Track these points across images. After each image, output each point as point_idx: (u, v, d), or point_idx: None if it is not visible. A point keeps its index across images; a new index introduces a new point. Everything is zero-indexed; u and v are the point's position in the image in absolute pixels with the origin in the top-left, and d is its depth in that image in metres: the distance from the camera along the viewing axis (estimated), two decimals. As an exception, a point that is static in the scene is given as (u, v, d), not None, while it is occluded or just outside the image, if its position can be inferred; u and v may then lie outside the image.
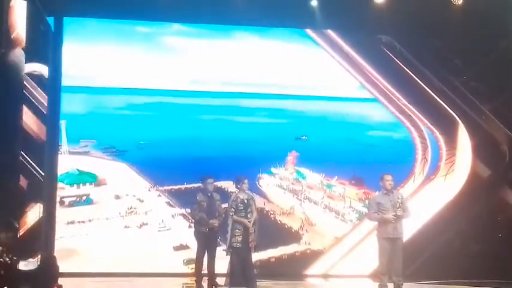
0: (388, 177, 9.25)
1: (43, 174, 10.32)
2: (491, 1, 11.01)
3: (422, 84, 11.60)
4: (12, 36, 9.19)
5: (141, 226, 11.19)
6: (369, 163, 11.38)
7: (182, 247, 11.14)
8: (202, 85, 11.41)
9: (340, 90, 11.72)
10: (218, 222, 9.58)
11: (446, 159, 11.75)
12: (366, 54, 11.60)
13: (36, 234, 9.85)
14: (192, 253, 10.85)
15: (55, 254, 9.99)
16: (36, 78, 10.28)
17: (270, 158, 11.52)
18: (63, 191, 11.07)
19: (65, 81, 11.03)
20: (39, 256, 9.33)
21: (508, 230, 11.51)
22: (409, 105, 11.70)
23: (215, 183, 9.94)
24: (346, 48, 11.61)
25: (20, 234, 8.81)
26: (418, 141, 11.79)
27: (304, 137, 11.55)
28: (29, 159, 9.93)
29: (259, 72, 11.55)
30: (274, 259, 11.18)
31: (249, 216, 9.08)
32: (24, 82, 9.85)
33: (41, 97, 10.47)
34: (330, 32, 11.63)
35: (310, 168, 11.63)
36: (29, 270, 9.07)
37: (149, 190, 11.31)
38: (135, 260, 10.94)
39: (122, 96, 11.34)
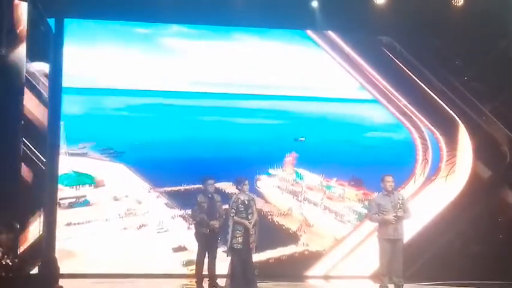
0: (389, 178, 9.25)
1: (44, 175, 10.31)
2: (491, 1, 11.01)
3: (423, 85, 11.60)
4: (12, 37, 9.18)
5: (139, 228, 11.16)
6: (368, 164, 11.36)
7: (181, 249, 11.13)
8: (201, 86, 11.40)
9: (340, 91, 11.71)
10: (219, 224, 9.57)
11: (447, 160, 11.74)
12: (366, 55, 11.60)
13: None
14: (191, 255, 10.86)
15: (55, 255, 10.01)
16: (37, 79, 10.27)
17: (268, 159, 11.51)
18: (61, 192, 11.04)
19: (64, 83, 11.02)
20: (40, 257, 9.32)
21: (508, 231, 11.50)
22: (409, 106, 11.69)
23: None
24: (347, 49, 11.60)
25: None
26: (418, 142, 11.79)
27: (302, 138, 11.53)
28: (30, 159, 9.94)
29: (258, 74, 11.54)
30: (272, 260, 11.17)
31: (249, 217, 9.06)
32: (25, 83, 9.85)
33: (42, 98, 10.46)
34: (330, 33, 11.63)
35: (309, 170, 11.62)
36: (30, 271, 9.07)
37: (148, 191, 11.29)
38: (134, 262, 10.92)
39: (120, 98, 11.31)
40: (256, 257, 9.34)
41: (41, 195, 10.35)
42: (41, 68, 10.34)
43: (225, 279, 9.20)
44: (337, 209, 11.60)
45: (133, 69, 11.25)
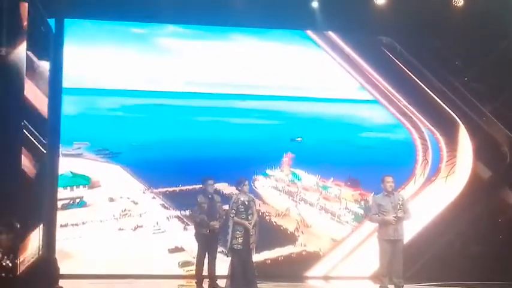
0: (389, 179, 9.25)
1: (44, 176, 10.31)
2: (491, 2, 11.01)
3: (423, 86, 11.60)
4: (13, 38, 9.18)
5: (135, 229, 11.12)
6: (365, 164, 11.37)
7: (177, 249, 11.11)
8: (198, 87, 11.37)
9: (340, 92, 11.70)
10: (219, 224, 9.57)
11: (447, 161, 11.74)
12: (366, 55, 11.59)
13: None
14: (187, 255, 10.89)
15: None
16: (37, 79, 10.26)
17: (265, 160, 11.49)
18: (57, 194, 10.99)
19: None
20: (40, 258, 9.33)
21: (508, 232, 11.50)
22: (409, 106, 11.69)
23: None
24: (347, 49, 11.60)
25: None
26: (418, 142, 11.78)
27: (299, 139, 11.53)
28: (30, 159, 9.92)
29: (256, 74, 11.52)
30: (270, 261, 11.14)
31: (249, 218, 9.06)
32: (25, 83, 9.85)
33: (42, 98, 10.45)
34: (331, 34, 11.62)
35: (305, 170, 11.61)
36: (30, 272, 9.06)
37: (144, 192, 11.25)
38: (130, 263, 10.89)
39: (115, 98, 11.28)
40: (255, 258, 9.34)
41: (42, 196, 10.34)
42: (41, 68, 10.33)
43: (225, 280, 9.20)
44: (333, 210, 11.58)
45: (128, 69, 11.22)
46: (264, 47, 11.58)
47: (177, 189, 11.24)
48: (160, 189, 11.26)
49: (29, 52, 9.27)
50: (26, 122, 9.38)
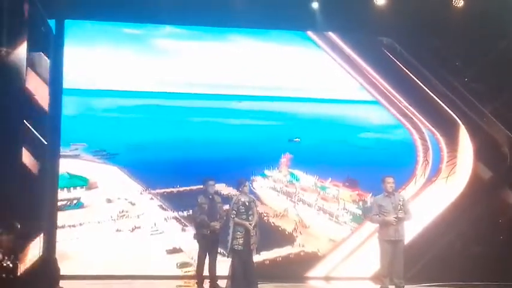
0: (390, 180, 9.24)
1: (44, 176, 10.30)
2: (490, 2, 11.01)
3: (423, 86, 11.61)
4: (13, 38, 9.19)
5: (133, 230, 11.09)
6: (364, 165, 11.36)
7: (175, 250, 11.08)
8: (198, 88, 11.36)
9: (340, 92, 11.70)
10: (219, 225, 9.55)
11: (447, 161, 11.74)
12: (366, 56, 11.60)
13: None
14: (185, 256, 10.88)
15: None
16: (37, 80, 10.26)
17: (263, 161, 11.48)
18: (55, 195, 10.95)
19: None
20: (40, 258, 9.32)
21: (509, 232, 11.49)
22: (409, 106, 11.69)
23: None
24: (347, 50, 11.60)
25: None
26: (419, 143, 11.78)
27: (297, 139, 11.52)
28: (30, 159, 9.91)
29: (257, 75, 11.52)
30: (268, 261, 11.12)
31: (250, 218, 9.05)
32: (25, 83, 9.85)
33: (42, 99, 10.45)
34: (331, 34, 11.63)
35: (303, 170, 11.59)
36: (31, 273, 9.06)
37: (141, 193, 11.22)
38: (128, 264, 10.86)
39: (113, 99, 11.25)
40: (254, 258, 9.31)
41: (42, 196, 10.34)
42: (41, 69, 10.33)
43: (225, 281, 9.19)
44: (331, 210, 11.57)
45: (126, 70, 11.20)
46: (264, 48, 11.58)
47: (174, 190, 11.21)
48: (158, 190, 11.24)
49: (29, 53, 9.28)
50: (26, 122, 9.39)
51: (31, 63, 9.58)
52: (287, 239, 11.40)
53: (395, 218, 9.05)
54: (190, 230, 10.75)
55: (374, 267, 10.33)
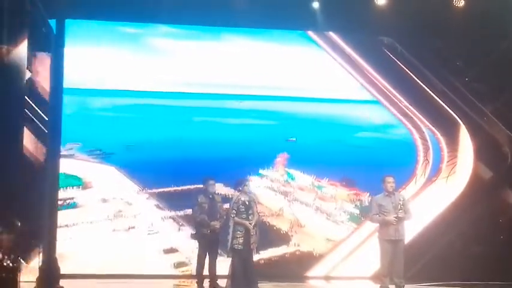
0: (390, 179, 9.25)
1: (45, 176, 10.30)
2: (491, 2, 11.01)
3: (424, 86, 11.60)
4: (14, 38, 9.21)
5: (129, 229, 11.05)
6: (361, 164, 11.35)
7: (172, 250, 11.05)
8: (195, 87, 11.33)
9: (340, 92, 11.68)
10: (219, 224, 9.56)
11: (448, 161, 11.74)
12: (367, 55, 11.60)
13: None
14: (182, 256, 10.87)
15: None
16: (37, 80, 10.28)
17: (260, 160, 11.45)
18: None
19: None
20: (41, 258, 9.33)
21: (509, 232, 11.49)
22: (410, 106, 11.69)
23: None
24: (348, 50, 11.60)
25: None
26: (419, 142, 11.78)
27: (293, 139, 11.51)
28: (31, 158, 9.93)
29: (256, 74, 11.50)
30: (263, 261, 11.06)
31: (250, 218, 9.05)
32: (26, 83, 9.87)
33: (42, 99, 10.47)
34: (331, 34, 11.63)
35: (300, 170, 11.59)
36: (31, 272, 9.08)
37: (137, 193, 11.18)
38: (124, 264, 10.83)
39: (108, 98, 11.20)
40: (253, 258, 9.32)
41: (42, 195, 10.34)
42: (41, 68, 10.35)
43: (225, 280, 9.20)
44: (329, 210, 11.55)
45: (123, 69, 11.17)
46: (264, 48, 11.56)
47: (171, 189, 11.17)
48: (154, 190, 11.19)
49: (30, 53, 9.30)
50: (26, 122, 9.42)
51: (31, 63, 9.60)
52: (282, 238, 11.37)
53: (396, 217, 9.06)
54: (187, 230, 10.75)
55: (374, 266, 10.34)
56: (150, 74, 11.31)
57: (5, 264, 7.69)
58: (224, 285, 9.22)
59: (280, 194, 11.55)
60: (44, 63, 10.50)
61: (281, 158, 11.50)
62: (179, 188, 11.11)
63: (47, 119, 10.50)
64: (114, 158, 11.13)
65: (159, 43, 11.47)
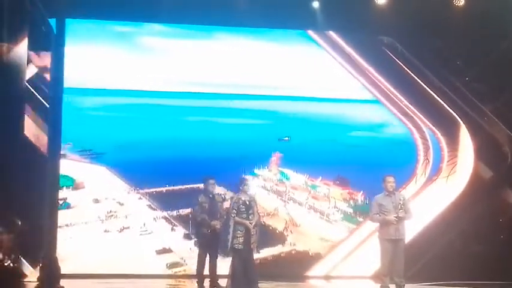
0: (390, 179, 9.25)
1: (44, 175, 10.30)
2: (491, 2, 11.01)
3: (424, 85, 11.60)
4: (14, 37, 9.22)
5: (121, 230, 10.98)
6: (355, 163, 11.35)
7: (165, 251, 11.01)
8: (191, 86, 11.32)
9: (340, 92, 11.67)
10: (220, 224, 9.56)
11: (448, 161, 11.74)
12: (367, 55, 11.59)
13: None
14: (175, 256, 10.84)
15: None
16: (38, 79, 10.28)
17: (253, 159, 11.41)
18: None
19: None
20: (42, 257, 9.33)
21: (509, 231, 11.50)
22: (410, 106, 11.69)
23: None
24: (348, 49, 11.60)
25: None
26: (419, 142, 11.78)
27: (286, 138, 11.50)
28: (31, 157, 9.91)
29: (255, 74, 11.49)
30: (258, 260, 11.00)
31: (250, 217, 9.03)
32: (26, 83, 9.88)
33: (42, 99, 10.47)
34: (331, 33, 11.63)
35: (294, 169, 11.57)
36: (31, 272, 9.08)
37: (129, 193, 11.12)
38: (116, 265, 10.79)
39: (100, 98, 11.12)
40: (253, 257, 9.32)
41: (42, 195, 10.34)
42: (41, 68, 10.35)
43: (226, 280, 9.19)
44: (322, 209, 11.53)
45: (116, 68, 11.13)
46: (264, 47, 11.54)
47: (163, 189, 11.11)
48: (147, 190, 11.13)
49: (29, 52, 9.31)
50: (26, 121, 9.43)
51: (31, 62, 9.61)
52: (278, 238, 11.33)
53: (396, 217, 9.06)
54: (180, 230, 10.74)
55: (374, 266, 10.34)
56: (142, 73, 11.23)
57: (5, 264, 7.68)
58: (224, 285, 9.22)
59: (274, 194, 11.51)
60: (43, 62, 10.50)
61: (274, 157, 11.47)
62: (171, 188, 11.04)
63: (46, 118, 10.51)
64: (105, 157, 11.05)
65: (154, 42, 11.41)
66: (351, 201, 11.53)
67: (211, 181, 9.67)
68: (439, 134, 11.76)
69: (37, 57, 10.05)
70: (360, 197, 11.46)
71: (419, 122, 11.73)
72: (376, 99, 11.72)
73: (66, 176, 10.95)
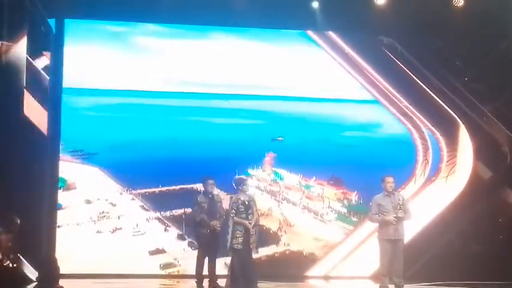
0: (389, 179, 9.26)
1: (43, 176, 10.32)
2: (491, 2, 11.02)
3: (424, 86, 11.60)
4: (13, 37, 9.23)
5: (114, 231, 10.93)
6: (349, 163, 11.34)
7: (158, 251, 10.96)
8: (185, 86, 11.31)
9: (339, 92, 11.65)
10: (219, 224, 9.56)
11: (447, 161, 11.74)
12: (367, 55, 11.59)
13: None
14: (168, 257, 10.82)
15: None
16: (37, 79, 10.28)
17: (247, 159, 11.39)
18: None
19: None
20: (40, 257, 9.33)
21: (509, 231, 11.49)
22: (410, 106, 11.69)
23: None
24: (347, 49, 11.60)
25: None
26: (419, 142, 11.78)
27: (280, 138, 11.50)
28: (30, 158, 9.91)
29: (254, 74, 11.48)
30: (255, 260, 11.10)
31: (249, 217, 9.03)
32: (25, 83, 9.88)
33: (42, 99, 10.47)
34: (331, 34, 11.63)
35: (287, 169, 11.55)
36: (31, 272, 9.08)
37: (121, 194, 11.07)
38: (109, 266, 10.76)
39: (93, 97, 11.06)
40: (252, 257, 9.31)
41: (42, 195, 10.35)
42: (41, 68, 10.36)
43: (225, 280, 9.20)
44: (316, 209, 11.52)
45: (110, 68, 11.09)
46: (263, 47, 11.53)
47: (156, 190, 11.05)
48: (139, 191, 11.07)
49: (29, 52, 9.31)
50: (26, 121, 9.43)
51: (31, 63, 9.62)
52: (272, 238, 11.31)
53: (395, 217, 9.08)
54: (173, 231, 10.72)
55: (374, 266, 10.35)
56: (136, 73, 11.20)
57: (5, 264, 7.67)
58: (224, 285, 9.22)
59: (268, 194, 11.48)
60: (43, 62, 10.50)
61: (268, 157, 11.46)
62: (165, 189, 11.00)
63: (46, 118, 10.52)
64: (97, 158, 10.98)
65: (150, 42, 11.38)
66: (345, 201, 11.52)
67: (210, 181, 9.67)
68: (438, 134, 11.76)
69: (36, 57, 10.04)
70: (354, 196, 11.46)
71: (418, 122, 11.73)
72: (376, 100, 11.72)
73: (58, 176, 10.87)
